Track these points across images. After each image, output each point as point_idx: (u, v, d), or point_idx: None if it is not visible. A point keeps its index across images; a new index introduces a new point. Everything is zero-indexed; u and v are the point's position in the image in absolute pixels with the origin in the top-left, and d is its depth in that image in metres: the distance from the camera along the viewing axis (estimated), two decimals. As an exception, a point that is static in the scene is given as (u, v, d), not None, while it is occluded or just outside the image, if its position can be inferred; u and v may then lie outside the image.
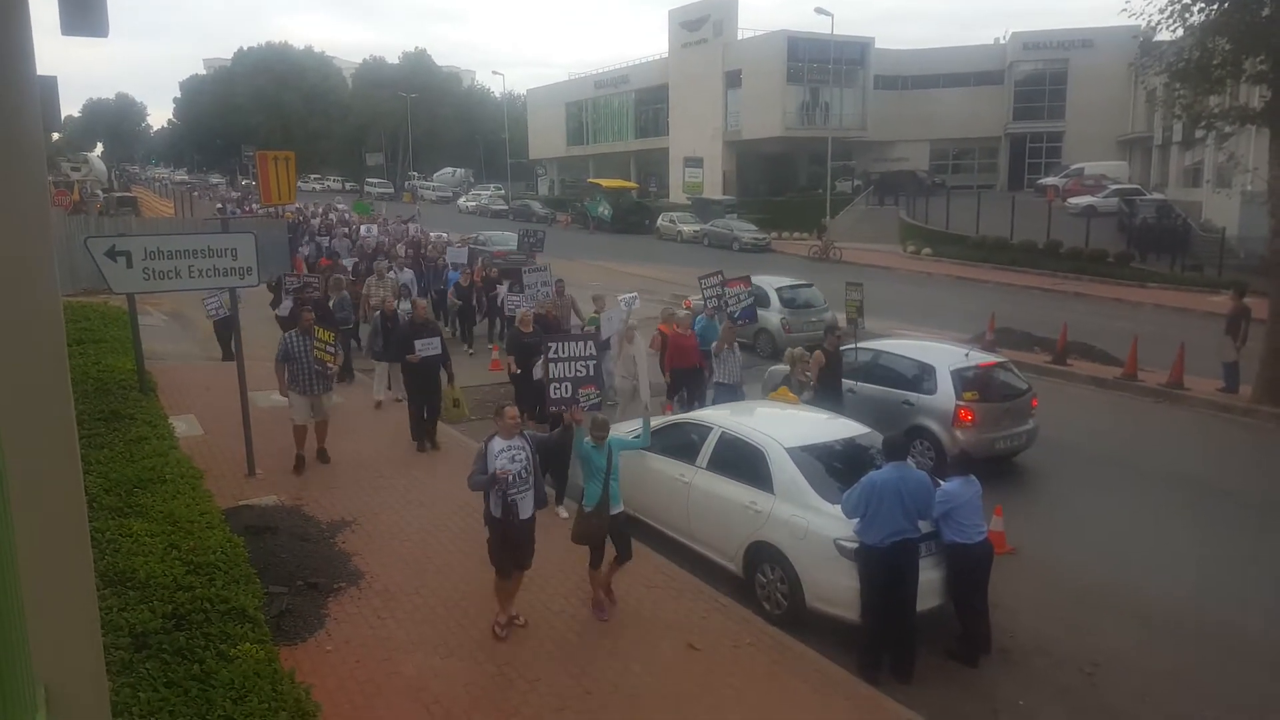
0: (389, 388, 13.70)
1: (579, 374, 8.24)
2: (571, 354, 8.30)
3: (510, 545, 6.88)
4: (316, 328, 10.36)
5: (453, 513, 9.25)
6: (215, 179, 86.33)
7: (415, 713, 5.97)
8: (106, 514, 6.08)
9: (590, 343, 8.56)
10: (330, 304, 14.83)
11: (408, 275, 18.87)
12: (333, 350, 10.41)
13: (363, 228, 31.13)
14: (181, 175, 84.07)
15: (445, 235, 30.81)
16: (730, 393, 11.54)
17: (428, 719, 5.91)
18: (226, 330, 14.76)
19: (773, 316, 17.92)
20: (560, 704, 6.11)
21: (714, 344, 11.96)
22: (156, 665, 4.44)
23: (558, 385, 8.15)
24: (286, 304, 14.78)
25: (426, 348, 11.01)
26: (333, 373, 10.51)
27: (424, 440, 11.39)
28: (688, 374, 12.16)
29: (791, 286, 19.02)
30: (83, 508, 1.70)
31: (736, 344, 12.32)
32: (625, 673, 6.55)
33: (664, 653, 6.82)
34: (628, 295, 13.46)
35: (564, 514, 9.17)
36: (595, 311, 14.04)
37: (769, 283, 18.50)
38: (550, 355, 8.30)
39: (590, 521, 7.16)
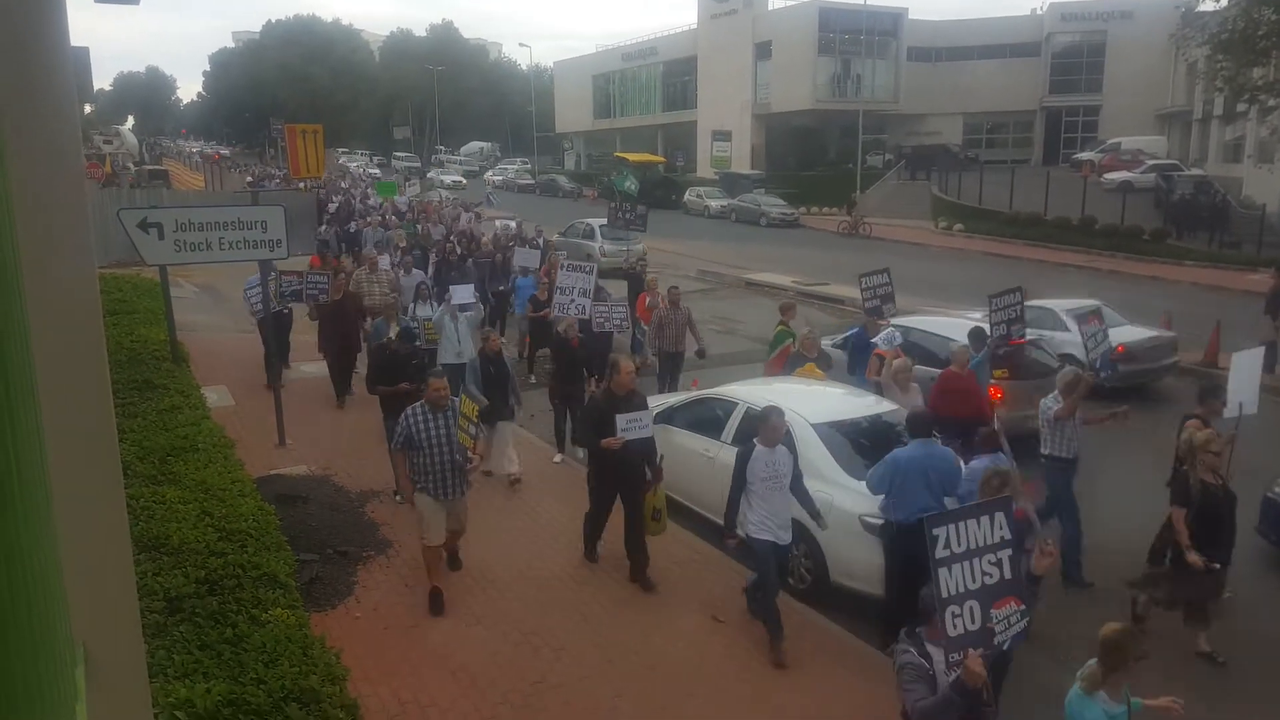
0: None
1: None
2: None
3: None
4: (463, 399, 7.21)
5: (483, 485, 9.30)
6: (224, 151, 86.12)
7: (441, 679, 6.06)
8: (141, 481, 6.20)
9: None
10: (366, 325, 12.24)
11: (417, 277, 14.97)
12: (475, 433, 7.22)
13: (389, 213, 26.91)
14: (225, 151, 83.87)
15: (512, 224, 23.91)
16: (1063, 471, 8.14)
17: (454, 685, 6.00)
18: (278, 330, 12.37)
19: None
20: (584, 673, 6.19)
21: (1053, 409, 8.14)
22: (190, 628, 4.54)
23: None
24: (257, 300, 12.02)
25: (634, 426, 7.26)
26: (475, 465, 7.33)
27: (593, 553, 7.90)
28: (966, 428, 8.62)
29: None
30: (119, 474, 1.73)
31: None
32: (647, 643, 6.62)
33: (688, 626, 6.87)
34: (887, 332, 10.53)
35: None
36: (782, 324, 11.52)
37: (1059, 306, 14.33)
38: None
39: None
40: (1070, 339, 12.79)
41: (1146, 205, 31.94)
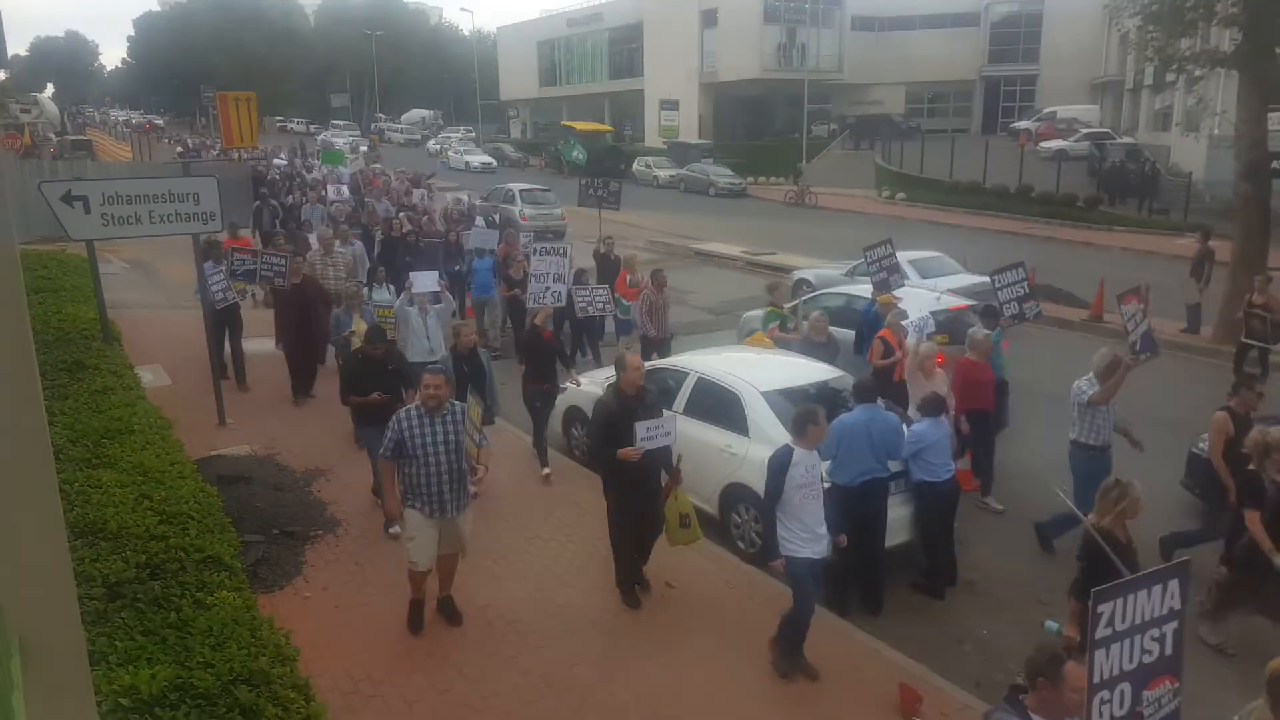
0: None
1: None
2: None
3: None
4: (471, 403, 6.54)
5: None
6: (157, 120, 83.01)
7: (395, 655, 6.04)
8: (74, 465, 6.00)
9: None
10: (332, 312, 11.03)
11: (357, 249, 14.68)
12: (480, 439, 6.50)
13: (330, 186, 24.09)
14: (158, 121, 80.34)
15: (465, 198, 23.18)
16: (1092, 459, 7.61)
17: (408, 661, 5.98)
18: (227, 320, 11.54)
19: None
20: (540, 643, 6.21)
21: (1088, 393, 7.52)
22: (132, 614, 4.43)
23: None
24: (219, 288, 11.00)
25: (654, 434, 6.42)
26: (480, 477, 6.55)
27: (631, 592, 6.89)
28: (981, 421, 8.66)
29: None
30: (49, 459, 1.67)
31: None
32: (604, 610, 6.67)
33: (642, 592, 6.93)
34: (919, 317, 10.04)
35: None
36: (773, 306, 11.19)
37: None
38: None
39: None
40: (910, 287, 13.87)
41: (1080, 173, 32.74)
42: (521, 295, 12.75)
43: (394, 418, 6.13)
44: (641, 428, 6.31)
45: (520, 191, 27.64)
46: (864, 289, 12.95)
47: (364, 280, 14.27)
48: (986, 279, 14.34)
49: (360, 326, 9.76)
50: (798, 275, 17.89)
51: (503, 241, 15.04)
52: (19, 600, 1.74)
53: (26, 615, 1.76)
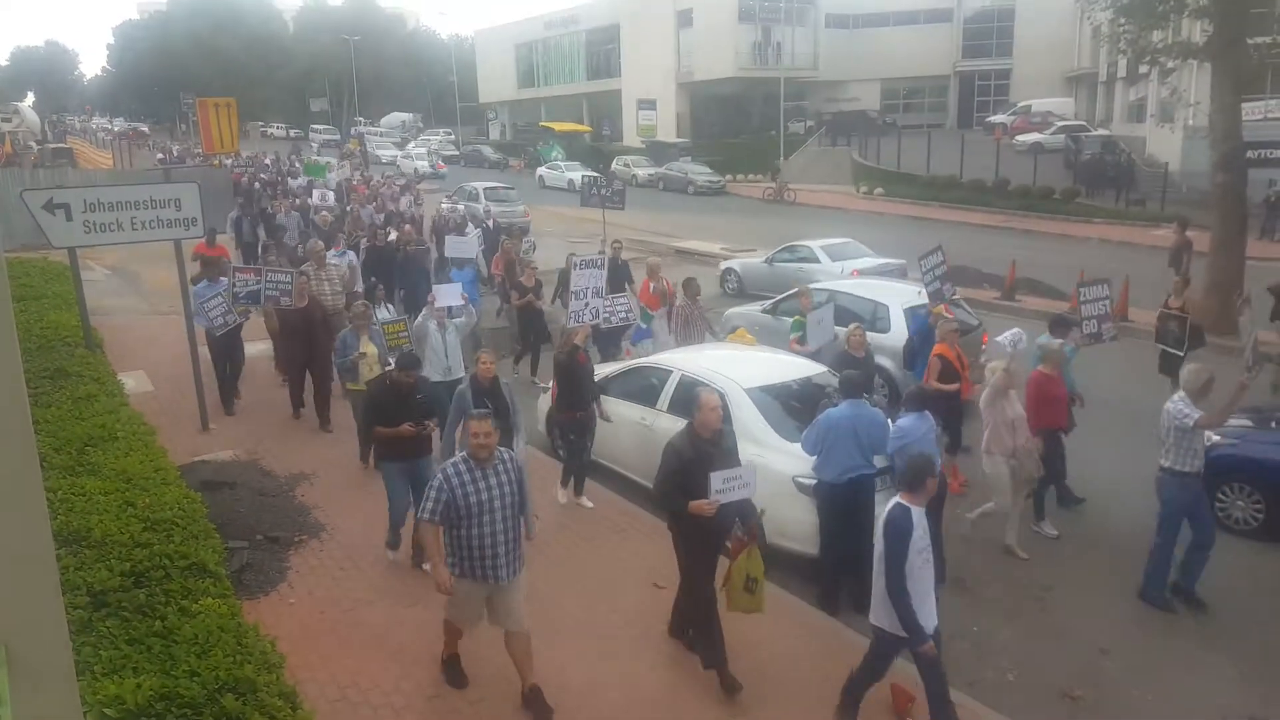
0: (570, 487, 8.68)
1: None
2: None
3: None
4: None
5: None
6: (143, 128, 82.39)
7: (381, 661, 6.02)
8: (58, 473, 5.96)
9: None
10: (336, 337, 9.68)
11: (348, 257, 13.55)
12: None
13: (315, 193, 22.75)
14: (144, 128, 79.45)
15: (460, 206, 22.39)
16: (1184, 487, 6.86)
17: (395, 667, 5.97)
18: (228, 348, 10.83)
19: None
20: (581, 684, 6.13)
21: (1192, 417, 6.67)
22: (117, 623, 4.41)
23: None
24: (219, 312, 10.20)
25: (732, 486, 5.63)
26: (532, 534, 5.86)
27: (727, 674, 5.80)
28: (1053, 440, 8.17)
29: None
30: (36, 466, 1.67)
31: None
32: (593, 612, 6.67)
33: (630, 593, 6.94)
34: (1011, 334, 9.13)
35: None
36: (800, 316, 10.47)
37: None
38: None
39: None
40: (822, 269, 16.22)
41: (1057, 166, 33.00)
42: (536, 303, 12.46)
43: (440, 475, 5.26)
44: (717, 478, 5.53)
45: (484, 189, 28.30)
46: (848, 284, 13.02)
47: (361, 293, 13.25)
48: (895, 261, 16.81)
49: (369, 349, 9.14)
50: (723, 266, 19.15)
51: (499, 250, 14.58)
52: (4, 609, 1.74)
53: (12, 624, 1.76)
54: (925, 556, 5.08)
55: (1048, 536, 8.15)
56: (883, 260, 16.77)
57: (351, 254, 14.08)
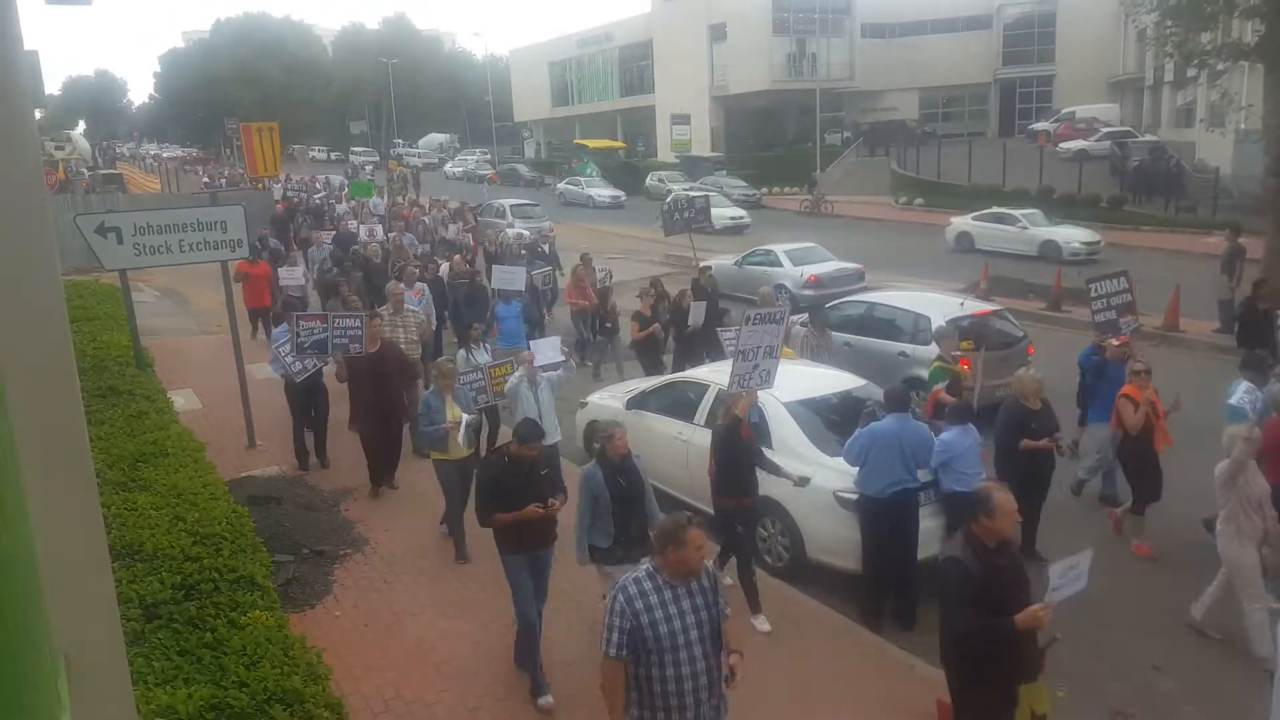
0: None
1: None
2: None
3: None
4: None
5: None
6: (175, 151, 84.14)
7: (426, 673, 6.07)
8: (111, 489, 6.11)
9: None
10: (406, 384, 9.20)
11: (426, 301, 12.28)
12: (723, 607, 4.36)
13: (362, 227, 20.16)
14: (195, 152, 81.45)
15: (525, 232, 20.63)
16: None
17: (438, 679, 6.01)
18: (309, 395, 9.79)
19: None
20: (570, 659, 6.21)
21: None
22: (168, 635, 4.49)
23: None
24: (287, 359, 9.27)
25: (1070, 579, 4.72)
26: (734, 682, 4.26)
27: None
28: None
29: None
30: (93, 482, 1.72)
31: None
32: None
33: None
34: (1242, 389, 7.93)
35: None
36: (940, 361, 9.19)
37: None
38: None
39: None
40: (784, 272, 17.76)
41: (1103, 173, 32.42)
42: (659, 334, 11.91)
43: (619, 597, 4.09)
44: (1055, 571, 4.59)
45: (511, 206, 29.23)
46: (887, 296, 12.88)
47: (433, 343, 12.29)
48: (852, 265, 18.12)
49: (456, 414, 7.78)
50: (698, 266, 19.97)
51: (569, 278, 14.01)
52: (64, 619, 1.78)
53: (71, 634, 1.80)
54: None
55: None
56: (840, 265, 18.28)
57: (427, 291, 12.76)
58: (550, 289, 15.54)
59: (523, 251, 17.40)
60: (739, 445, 6.88)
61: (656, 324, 12.07)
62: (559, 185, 43.36)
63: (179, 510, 5.87)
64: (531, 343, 9.03)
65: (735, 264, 19.01)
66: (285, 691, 4.17)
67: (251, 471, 9.58)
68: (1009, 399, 7.99)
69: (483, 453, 8.53)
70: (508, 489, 5.91)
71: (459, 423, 7.72)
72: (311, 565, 7.53)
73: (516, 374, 8.35)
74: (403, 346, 10.11)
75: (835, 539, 7.15)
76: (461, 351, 9.87)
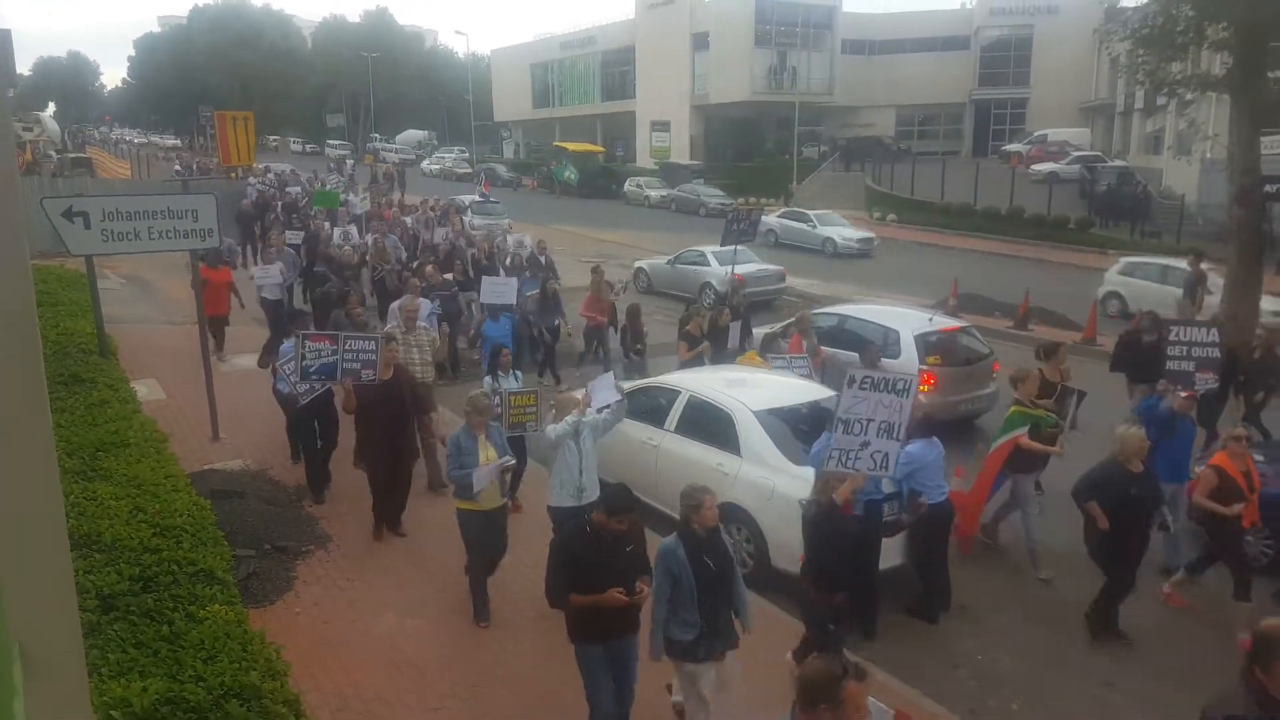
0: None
1: None
2: None
3: None
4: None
5: (418, 477, 9.13)
6: (169, 140, 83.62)
7: (387, 672, 6.03)
8: (70, 478, 6.01)
9: None
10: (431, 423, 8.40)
11: (426, 307, 11.05)
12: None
13: (335, 230, 18.54)
14: (171, 140, 79.90)
15: (526, 240, 17.84)
16: None
17: (400, 678, 5.97)
18: (319, 417, 8.89)
19: None
20: (537, 661, 6.20)
21: None
22: (125, 627, 4.44)
23: None
24: (293, 379, 8.08)
25: None
26: None
27: None
28: None
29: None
30: (55, 469, 1.70)
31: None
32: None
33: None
34: None
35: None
36: (1018, 405, 8.33)
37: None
38: None
39: None
40: (711, 271, 19.14)
41: (1072, 195, 32.99)
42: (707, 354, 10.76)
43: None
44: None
45: (472, 203, 29.19)
46: (858, 309, 13.01)
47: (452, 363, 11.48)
48: (773, 267, 20.09)
49: (490, 455, 6.65)
50: (636, 265, 21.81)
51: (589, 289, 12.86)
52: (20, 608, 1.76)
53: (27, 623, 1.78)
54: None
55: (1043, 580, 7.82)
56: (761, 266, 20.13)
57: (428, 303, 11.51)
58: (554, 302, 13.46)
59: (524, 264, 15.64)
60: (840, 530, 5.86)
61: (706, 344, 11.14)
62: (768, 219, 28.34)
63: (139, 501, 5.80)
64: (590, 383, 7.10)
65: (668, 263, 20.75)
66: (242, 687, 4.13)
67: (215, 464, 9.46)
68: (1108, 463, 6.95)
69: (507, 496, 7.30)
70: (588, 566, 4.96)
71: (494, 465, 6.56)
72: (273, 561, 7.45)
73: (569, 419, 6.65)
74: (416, 366, 9.11)
75: (799, 547, 7.17)
76: (488, 379, 8.66)
